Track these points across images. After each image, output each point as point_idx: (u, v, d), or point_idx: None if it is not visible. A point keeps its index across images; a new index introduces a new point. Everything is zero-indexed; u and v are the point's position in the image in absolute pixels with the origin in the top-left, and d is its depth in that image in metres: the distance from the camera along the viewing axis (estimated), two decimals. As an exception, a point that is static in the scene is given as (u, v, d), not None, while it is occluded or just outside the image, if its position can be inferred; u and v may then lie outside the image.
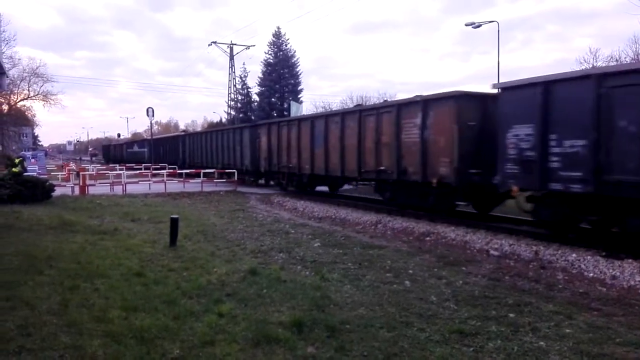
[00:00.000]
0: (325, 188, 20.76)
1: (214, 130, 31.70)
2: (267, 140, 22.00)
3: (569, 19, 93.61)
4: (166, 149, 39.39)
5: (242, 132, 25.07)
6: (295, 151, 19.34)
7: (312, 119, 18.67)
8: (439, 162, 12.07)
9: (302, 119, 19.85)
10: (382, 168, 14.17)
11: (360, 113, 15.39)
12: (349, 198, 17.86)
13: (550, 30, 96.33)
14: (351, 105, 43.48)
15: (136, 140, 57.95)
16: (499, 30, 26.70)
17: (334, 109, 18.59)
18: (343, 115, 16.46)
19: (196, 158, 31.88)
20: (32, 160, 30.85)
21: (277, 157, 21.09)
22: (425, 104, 12.56)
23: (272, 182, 23.78)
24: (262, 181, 25.08)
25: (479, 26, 27.19)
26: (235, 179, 24.19)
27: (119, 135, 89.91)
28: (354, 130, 15.44)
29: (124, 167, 30.82)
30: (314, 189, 20.17)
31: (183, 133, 38.70)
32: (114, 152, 63.32)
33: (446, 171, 11.85)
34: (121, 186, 21.70)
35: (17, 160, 18.50)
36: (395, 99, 13.81)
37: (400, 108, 13.53)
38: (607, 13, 75.96)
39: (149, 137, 47.28)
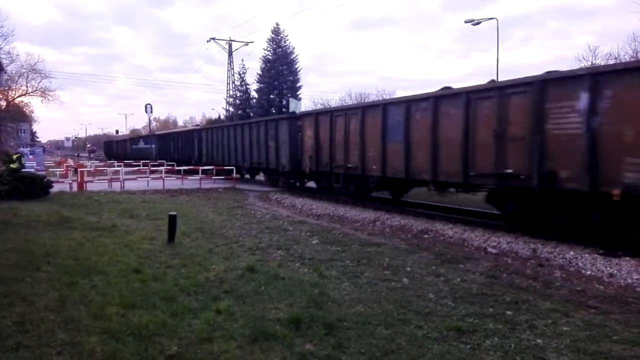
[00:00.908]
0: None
1: (239, 123, 27.30)
2: (314, 134, 17.93)
3: (570, 16, 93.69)
4: (177, 145, 36.15)
5: (278, 125, 20.84)
6: (358, 148, 15.38)
7: (384, 105, 14.70)
8: (625, 165, 8.37)
9: (367, 107, 15.77)
10: (508, 171, 10.36)
11: (468, 96, 11.37)
12: (347, 195, 17.83)
13: (551, 27, 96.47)
14: (350, 102, 43.52)
15: (142, 136, 53.49)
16: (498, 28, 26.77)
17: (418, 93, 13.84)
18: (436, 100, 12.38)
19: (216, 155, 27.80)
20: (30, 156, 30.81)
21: (329, 155, 16.99)
22: (595, 79, 8.75)
23: (317, 185, 19.60)
24: (308, 184, 20.66)
25: (478, 23, 27.20)
26: (234, 176, 24.14)
27: (117, 131, 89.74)
28: (457, 120, 11.60)
29: (121, 164, 30.32)
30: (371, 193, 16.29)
31: (198, 127, 34.57)
32: (117, 149, 59.78)
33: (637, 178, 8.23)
34: (119, 183, 21.67)
35: (15, 157, 18.45)
36: (533, 75, 10.08)
37: (546, 86, 9.57)
38: (609, 10, 75.96)
39: (158, 132, 44.70)
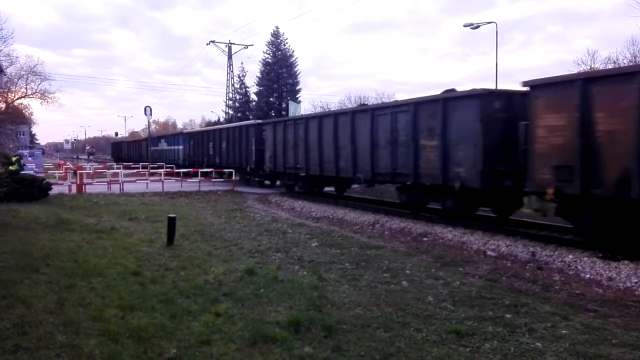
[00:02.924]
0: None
1: (346, 111, 17.85)
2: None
3: (570, 20, 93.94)
4: (219, 146, 27.02)
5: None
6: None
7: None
8: None
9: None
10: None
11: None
12: (347, 198, 17.85)
13: (551, 31, 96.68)
14: (349, 105, 43.46)
15: (165, 135, 44.89)
16: (497, 32, 26.80)
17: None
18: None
19: (300, 160, 18.46)
20: (29, 158, 30.79)
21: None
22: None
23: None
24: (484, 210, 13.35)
25: (477, 27, 27.25)
26: (233, 178, 24.11)
27: (116, 134, 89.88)
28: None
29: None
30: None
31: (260, 122, 23.98)
32: (129, 151, 51.74)
33: None
34: (118, 185, 21.66)
35: (14, 159, 18.45)
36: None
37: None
38: (608, 14, 76.17)
39: (187, 130, 37.76)
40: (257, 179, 23.87)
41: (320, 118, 17.40)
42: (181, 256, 8.56)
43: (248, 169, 23.82)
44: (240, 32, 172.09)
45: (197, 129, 38.13)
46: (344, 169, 15.75)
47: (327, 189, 19.50)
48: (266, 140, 21.34)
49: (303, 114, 30.43)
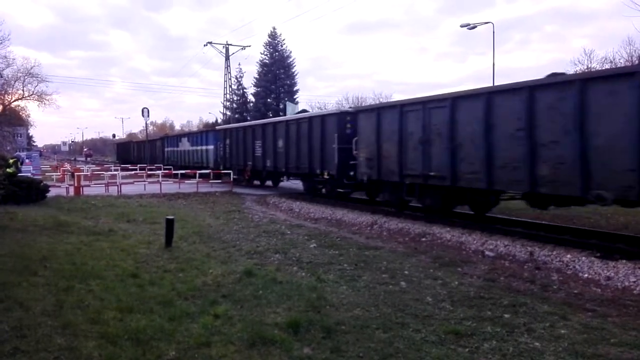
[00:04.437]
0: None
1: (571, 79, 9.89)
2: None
3: (567, 19, 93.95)
4: (273, 144, 20.72)
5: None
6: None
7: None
8: None
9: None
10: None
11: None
12: (345, 199, 17.84)
13: (548, 30, 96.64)
14: (347, 106, 43.39)
15: (187, 133, 38.65)
16: (494, 32, 26.81)
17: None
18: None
19: (437, 163, 12.43)
20: (27, 160, 30.70)
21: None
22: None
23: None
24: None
25: (474, 27, 27.28)
26: (231, 179, 24.03)
27: (114, 135, 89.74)
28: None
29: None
30: None
31: (347, 110, 18.45)
32: (139, 153, 46.29)
33: None
34: (116, 187, 21.63)
35: (11, 161, 18.39)
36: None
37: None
38: (606, 14, 76.43)
39: (220, 126, 30.96)
40: (340, 189, 16.89)
41: (491, 95, 10.60)
42: (179, 258, 8.55)
43: (324, 176, 17.11)
44: (237, 33, 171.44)
45: (237, 123, 29.96)
46: (557, 180, 9.21)
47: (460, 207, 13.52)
48: (360, 135, 14.85)
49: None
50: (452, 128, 11.48)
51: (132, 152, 50.22)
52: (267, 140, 21.34)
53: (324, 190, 18.10)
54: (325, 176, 16.96)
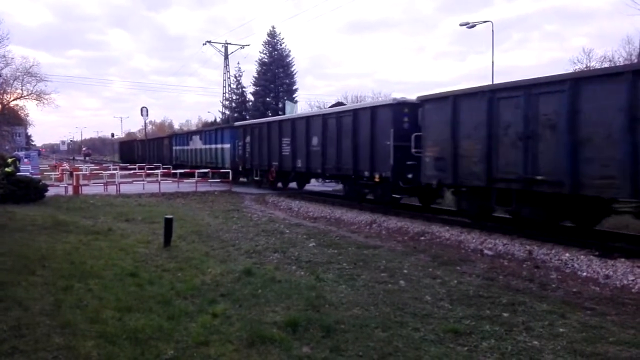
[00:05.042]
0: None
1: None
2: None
3: (567, 18, 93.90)
4: (306, 142, 18.06)
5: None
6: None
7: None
8: None
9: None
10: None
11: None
12: (344, 198, 17.84)
13: (548, 29, 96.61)
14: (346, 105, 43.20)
15: (198, 130, 35.68)
16: (493, 31, 26.78)
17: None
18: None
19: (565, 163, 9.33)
20: (25, 160, 30.64)
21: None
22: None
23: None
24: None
25: (473, 26, 27.25)
26: (230, 178, 23.99)
27: (112, 135, 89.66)
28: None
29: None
30: None
31: (403, 100, 14.15)
32: (144, 152, 43.54)
33: None
34: (115, 186, 21.61)
35: (9, 160, 18.36)
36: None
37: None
38: (605, 12, 76.38)
39: (239, 123, 27.99)
40: (396, 195, 14.03)
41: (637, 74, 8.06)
42: (178, 257, 8.54)
43: (375, 179, 14.25)
44: (236, 32, 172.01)
45: (260, 119, 26.80)
46: None
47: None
48: (426, 129, 12.26)
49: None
50: (573, 119, 8.83)
51: (136, 151, 47.39)
52: (298, 137, 18.70)
53: (371, 195, 15.59)
54: (376, 179, 14.19)
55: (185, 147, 32.43)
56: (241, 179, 25.81)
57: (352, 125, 15.34)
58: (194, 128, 68.24)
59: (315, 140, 17.58)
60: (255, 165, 22.48)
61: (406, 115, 13.54)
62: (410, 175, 13.15)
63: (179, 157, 33.00)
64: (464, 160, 11.10)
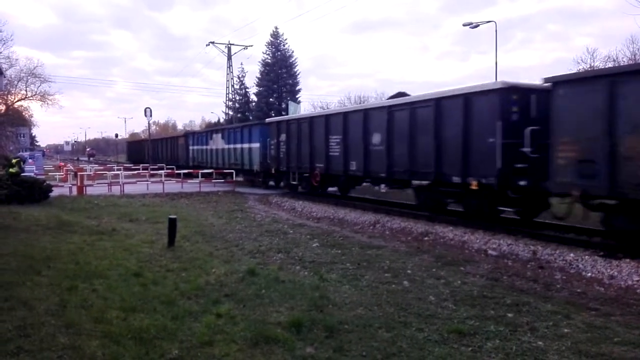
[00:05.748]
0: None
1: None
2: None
3: (570, 18, 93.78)
4: (364, 140, 14.93)
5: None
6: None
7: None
8: None
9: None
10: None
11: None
12: (347, 198, 17.83)
13: (551, 29, 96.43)
14: (349, 105, 43.21)
15: (220, 128, 31.52)
16: (496, 30, 26.73)
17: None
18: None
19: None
20: (30, 160, 30.78)
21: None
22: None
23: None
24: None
25: (476, 26, 27.21)
26: (234, 179, 24.00)
27: (116, 135, 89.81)
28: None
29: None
30: None
31: (513, 84, 10.52)
32: (155, 152, 40.03)
33: None
34: (119, 187, 21.67)
35: (14, 161, 18.45)
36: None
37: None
38: (609, 12, 76.12)
39: (270, 119, 23.24)
40: (503, 207, 11.01)
41: None
42: (182, 257, 8.56)
43: (472, 186, 11.21)
44: (239, 33, 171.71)
45: (300, 114, 24.56)
46: None
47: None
48: (557, 122, 9.16)
49: None
50: None
51: (146, 152, 42.19)
52: (352, 134, 15.67)
53: (457, 206, 12.70)
54: (473, 186, 11.16)
55: (205, 147, 29.53)
56: (270, 183, 22.99)
57: (434, 117, 12.20)
58: (197, 129, 67.87)
59: (377, 138, 14.40)
60: (292, 168, 19.46)
61: (515, 104, 10.33)
62: (523, 183, 10.13)
63: (197, 158, 30.33)
64: (629, 164, 8.16)
